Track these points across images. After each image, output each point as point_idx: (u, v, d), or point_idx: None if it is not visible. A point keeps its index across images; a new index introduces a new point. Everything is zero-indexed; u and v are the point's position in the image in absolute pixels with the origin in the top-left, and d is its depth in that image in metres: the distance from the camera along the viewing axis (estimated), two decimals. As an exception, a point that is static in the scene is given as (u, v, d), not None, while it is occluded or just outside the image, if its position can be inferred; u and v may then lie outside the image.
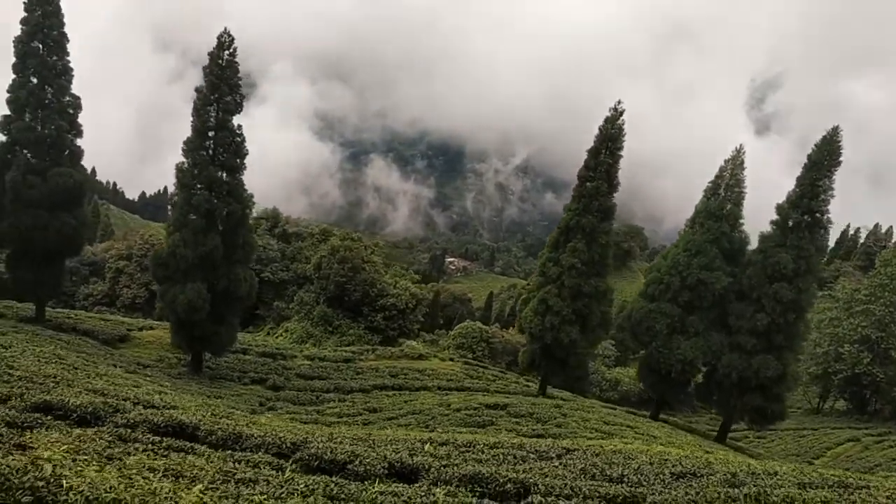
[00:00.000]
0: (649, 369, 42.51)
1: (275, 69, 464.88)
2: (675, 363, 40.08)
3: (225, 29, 35.52)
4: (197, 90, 35.03)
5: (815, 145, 37.73)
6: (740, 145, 40.26)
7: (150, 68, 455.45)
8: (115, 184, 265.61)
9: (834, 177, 37.81)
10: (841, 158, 37.67)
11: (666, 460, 18.70)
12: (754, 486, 11.62)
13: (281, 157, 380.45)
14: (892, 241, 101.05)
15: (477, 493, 11.30)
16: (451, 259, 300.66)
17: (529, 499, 11.68)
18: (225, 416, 18.34)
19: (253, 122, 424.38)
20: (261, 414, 29.06)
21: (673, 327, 40.45)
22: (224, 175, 36.34)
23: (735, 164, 40.24)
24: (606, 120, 38.98)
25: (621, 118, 38.89)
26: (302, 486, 9.78)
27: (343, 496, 10.65)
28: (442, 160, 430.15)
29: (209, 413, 17.52)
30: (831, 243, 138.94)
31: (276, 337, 53.58)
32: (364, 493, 10.36)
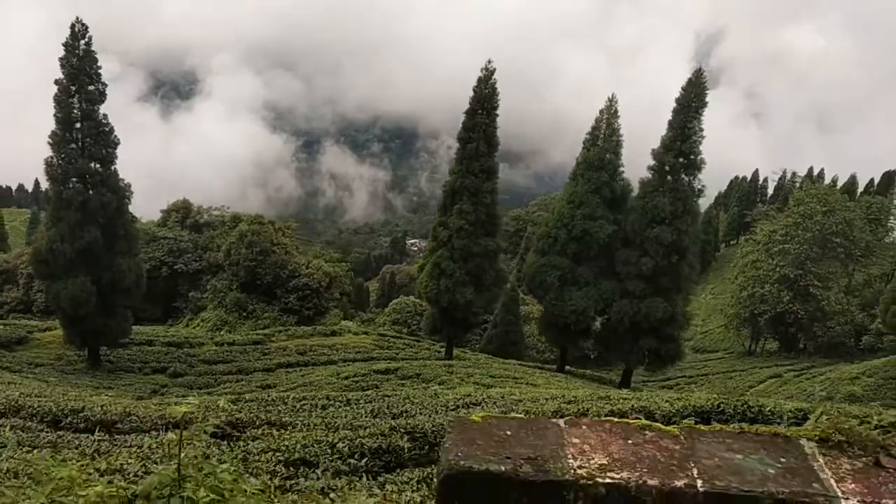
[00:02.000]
0: (547, 323, 43.30)
1: (216, 63, 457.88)
2: (569, 314, 40.82)
3: (77, 18, 35.18)
4: (56, 82, 34.72)
5: (682, 88, 38.46)
6: (612, 94, 40.96)
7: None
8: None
9: (702, 118, 38.63)
10: (707, 100, 38.54)
11: (468, 395, 19.37)
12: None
13: (233, 152, 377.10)
14: (813, 181, 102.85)
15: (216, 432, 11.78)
16: (413, 241, 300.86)
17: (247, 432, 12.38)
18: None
19: (199, 119, 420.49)
20: (147, 400, 29.28)
21: (564, 279, 41.15)
22: (96, 166, 36.13)
23: (610, 114, 40.90)
24: (479, 80, 39.38)
25: (493, 77, 39.31)
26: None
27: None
28: (397, 143, 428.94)
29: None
30: (770, 190, 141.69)
31: (195, 327, 53.68)
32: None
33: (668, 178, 39.06)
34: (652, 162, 39.73)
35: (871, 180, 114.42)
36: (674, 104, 38.76)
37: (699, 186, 39.91)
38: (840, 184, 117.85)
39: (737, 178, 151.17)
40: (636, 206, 39.99)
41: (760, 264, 70.79)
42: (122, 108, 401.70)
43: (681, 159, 38.90)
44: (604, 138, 41.03)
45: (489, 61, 39.41)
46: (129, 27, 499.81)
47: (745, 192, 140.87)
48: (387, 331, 55.25)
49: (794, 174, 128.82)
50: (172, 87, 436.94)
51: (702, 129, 38.70)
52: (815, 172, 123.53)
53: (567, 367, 45.47)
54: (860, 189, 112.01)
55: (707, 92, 38.27)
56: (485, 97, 39.33)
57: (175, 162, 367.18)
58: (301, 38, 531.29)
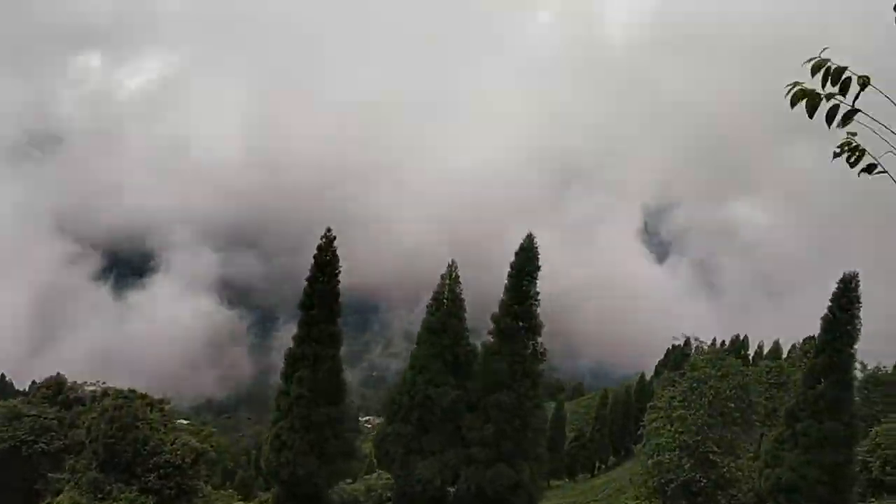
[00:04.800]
0: (398, 495, 41.54)
1: (174, 240, 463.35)
2: (416, 484, 39.27)
3: None
4: None
5: (515, 253, 39.30)
6: (452, 261, 41.62)
7: (47, 253, 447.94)
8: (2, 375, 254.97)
9: (537, 281, 39.21)
10: (540, 264, 39.31)
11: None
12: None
13: (186, 329, 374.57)
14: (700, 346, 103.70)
15: None
16: (367, 417, 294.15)
17: None
18: None
19: (154, 296, 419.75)
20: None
21: (409, 447, 39.89)
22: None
23: (451, 279, 41.37)
24: (319, 248, 39.98)
25: (334, 244, 39.98)
26: None
27: None
28: (354, 317, 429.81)
29: None
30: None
31: (50, 511, 50.47)
32: None
33: (507, 342, 38.98)
34: (491, 326, 39.84)
35: (760, 345, 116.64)
36: (509, 269, 39.45)
37: (540, 350, 39.86)
38: (766, 350, 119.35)
39: (673, 346, 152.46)
40: (478, 370, 39.65)
41: (662, 431, 69.59)
42: (77, 287, 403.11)
43: (519, 322, 39.07)
44: (447, 303, 41.22)
45: (328, 229, 40.23)
46: (93, 210, 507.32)
47: (679, 360, 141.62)
48: None
49: (696, 339, 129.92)
50: (129, 266, 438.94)
51: (537, 293, 39.20)
52: (761, 340, 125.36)
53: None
54: (783, 353, 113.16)
55: (538, 256, 39.09)
56: (325, 263, 39.77)
57: (127, 340, 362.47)
58: (261, 217, 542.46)
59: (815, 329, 48.59)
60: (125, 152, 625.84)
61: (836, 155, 4.18)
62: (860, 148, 4.05)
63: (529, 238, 39.24)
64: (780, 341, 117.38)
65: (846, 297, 45.49)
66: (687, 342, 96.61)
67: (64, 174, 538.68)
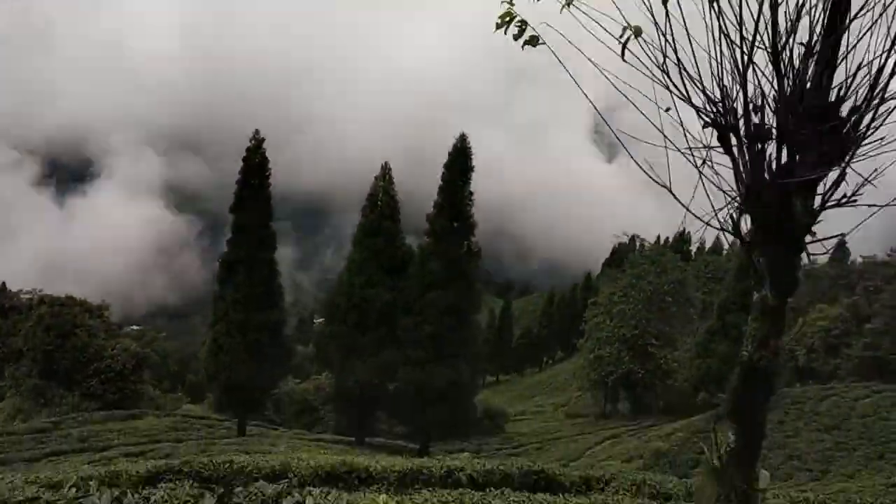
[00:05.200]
0: (337, 395, 42.26)
1: (115, 143, 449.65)
2: (354, 384, 39.87)
3: None
4: None
5: (449, 153, 38.88)
6: (385, 163, 41.12)
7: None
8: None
9: (470, 181, 39.00)
10: (473, 163, 38.97)
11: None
12: None
13: (133, 235, 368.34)
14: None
15: None
16: (321, 319, 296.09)
17: None
18: None
19: (97, 202, 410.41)
20: None
21: (347, 349, 40.29)
22: None
23: (385, 181, 40.96)
24: (248, 150, 39.12)
25: (263, 146, 39.12)
26: None
27: None
28: (307, 222, 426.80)
29: None
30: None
31: (-8, 418, 50.46)
32: None
33: (442, 243, 39.01)
34: (427, 227, 39.76)
35: (702, 241, 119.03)
36: (442, 169, 39.11)
37: (475, 250, 40.02)
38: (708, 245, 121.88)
39: (619, 245, 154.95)
40: (413, 272, 39.78)
41: (602, 326, 71.60)
42: (16, 195, 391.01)
43: (453, 223, 39.04)
44: (381, 205, 40.92)
45: (257, 131, 39.28)
46: (27, 116, 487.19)
47: (623, 258, 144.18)
48: (195, 410, 53.20)
49: (638, 237, 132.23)
50: (69, 171, 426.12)
51: (472, 193, 39.06)
52: (703, 237, 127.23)
53: (367, 440, 44.18)
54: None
55: (471, 155, 38.75)
56: (255, 166, 39.00)
57: (73, 248, 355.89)
58: (210, 122, 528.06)
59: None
60: (57, 53, 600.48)
61: (497, 27, 3.90)
62: (521, 19, 3.81)
63: (462, 138, 38.79)
64: (720, 237, 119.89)
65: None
66: (632, 240, 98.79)
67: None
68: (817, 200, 3.39)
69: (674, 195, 3.41)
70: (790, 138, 3.20)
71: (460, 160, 38.53)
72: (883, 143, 3.25)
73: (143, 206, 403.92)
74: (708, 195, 3.43)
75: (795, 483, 37.80)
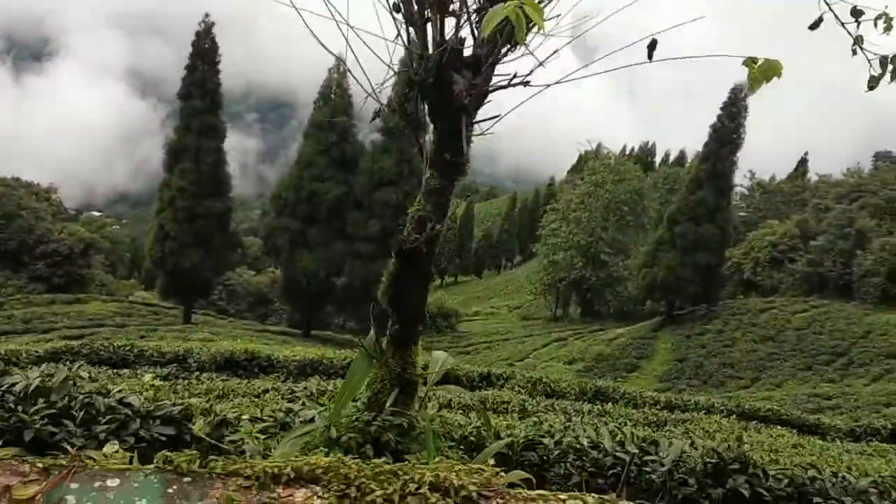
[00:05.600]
0: (285, 287, 42.36)
1: (75, 20, 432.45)
2: (301, 277, 39.94)
3: None
4: None
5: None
6: (339, 54, 39.69)
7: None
8: None
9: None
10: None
11: None
12: None
13: (95, 119, 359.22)
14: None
15: None
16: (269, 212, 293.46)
17: None
18: None
19: (57, 82, 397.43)
20: None
21: (295, 241, 40.15)
22: None
23: (339, 74, 39.88)
24: (198, 35, 37.70)
25: (212, 31, 37.71)
26: None
27: None
28: (273, 115, 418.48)
29: None
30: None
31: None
32: None
33: (394, 139, 38.50)
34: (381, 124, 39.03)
35: (667, 152, 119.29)
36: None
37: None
38: (672, 157, 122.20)
39: (585, 152, 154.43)
40: (365, 168, 39.35)
41: (559, 232, 72.05)
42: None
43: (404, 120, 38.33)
44: (334, 98, 40.04)
45: (206, 14, 37.73)
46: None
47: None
48: (149, 297, 53.01)
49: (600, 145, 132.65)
50: (26, 49, 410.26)
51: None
52: (668, 148, 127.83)
53: (313, 333, 44.63)
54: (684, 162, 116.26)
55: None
56: (204, 52, 37.67)
57: (29, 128, 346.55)
58: (175, 4, 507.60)
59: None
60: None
61: None
62: None
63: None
64: (686, 149, 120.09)
65: (734, 106, 46.25)
66: (598, 148, 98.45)
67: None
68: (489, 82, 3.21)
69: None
70: (452, 14, 2.99)
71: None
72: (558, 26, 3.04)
73: (105, 89, 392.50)
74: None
75: (724, 391, 39.38)
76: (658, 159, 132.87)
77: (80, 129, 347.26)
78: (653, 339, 48.88)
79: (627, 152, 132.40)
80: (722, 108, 46.34)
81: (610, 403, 11.07)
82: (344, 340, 46.38)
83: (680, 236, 47.99)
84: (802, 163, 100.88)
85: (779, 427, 11.15)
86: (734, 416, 11.45)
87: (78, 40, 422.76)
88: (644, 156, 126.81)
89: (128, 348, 12.03)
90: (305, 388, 9.04)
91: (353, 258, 39.77)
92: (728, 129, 46.01)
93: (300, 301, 42.66)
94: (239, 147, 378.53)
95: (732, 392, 38.01)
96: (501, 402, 8.90)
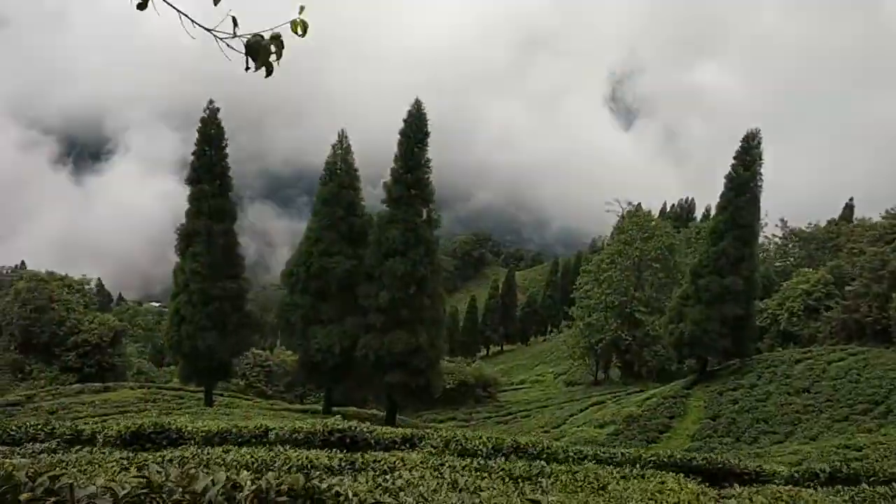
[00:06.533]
0: (301, 364, 42.32)
1: (131, 120, 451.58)
2: (315, 353, 39.91)
3: None
4: None
5: (404, 120, 38.44)
6: (342, 130, 40.67)
7: (1, 140, 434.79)
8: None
9: (426, 147, 38.57)
10: (428, 130, 38.54)
11: None
12: None
13: (151, 211, 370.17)
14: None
15: None
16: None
17: None
18: None
19: (114, 180, 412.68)
20: None
21: (307, 318, 40.29)
22: None
23: (343, 149, 40.62)
24: (203, 121, 38.88)
25: (218, 116, 38.92)
26: None
27: None
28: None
29: None
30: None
31: (-26, 391, 51.29)
32: None
33: (400, 210, 38.72)
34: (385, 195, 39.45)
35: (708, 207, 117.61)
36: (398, 136, 38.69)
37: (435, 216, 39.73)
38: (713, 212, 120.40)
39: (627, 212, 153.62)
40: (372, 239, 39.57)
41: (591, 293, 71.17)
42: (35, 175, 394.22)
43: (411, 190, 38.71)
44: (340, 174, 40.63)
45: (211, 101, 38.99)
46: (44, 95, 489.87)
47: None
48: (236, 384, 53.83)
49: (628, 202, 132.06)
50: (86, 150, 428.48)
51: (429, 160, 38.67)
52: (709, 203, 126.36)
53: (334, 408, 44.32)
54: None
55: (427, 122, 38.29)
56: (211, 136, 38.81)
57: (90, 226, 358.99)
58: (222, 97, 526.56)
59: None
60: (71, 32, 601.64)
61: None
62: None
63: (417, 104, 38.29)
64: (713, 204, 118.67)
65: (748, 155, 45.55)
66: (638, 207, 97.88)
67: (11, 58, 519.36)
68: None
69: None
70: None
71: (416, 126, 38.09)
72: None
73: (158, 182, 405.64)
74: None
75: (757, 447, 37.61)
76: (699, 214, 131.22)
77: (136, 222, 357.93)
78: (685, 398, 47.27)
79: (668, 209, 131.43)
80: (735, 157, 45.70)
81: (522, 461, 10.58)
82: (366, 415, 46.00)
83: (704, 289, 46.80)
84: (848, 208, 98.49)
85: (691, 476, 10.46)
86: (650, 466, 10.80)
87: (133, 138, 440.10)
88: (682, 212, 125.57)
89: (39, 427, 12.03)
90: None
91: (366, 331, 39.64)
92: (744, 178, 45.23)
93: (318, 378, 42.57)
94: (289, 230, 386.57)
95: (765, 448, 36.38)
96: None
